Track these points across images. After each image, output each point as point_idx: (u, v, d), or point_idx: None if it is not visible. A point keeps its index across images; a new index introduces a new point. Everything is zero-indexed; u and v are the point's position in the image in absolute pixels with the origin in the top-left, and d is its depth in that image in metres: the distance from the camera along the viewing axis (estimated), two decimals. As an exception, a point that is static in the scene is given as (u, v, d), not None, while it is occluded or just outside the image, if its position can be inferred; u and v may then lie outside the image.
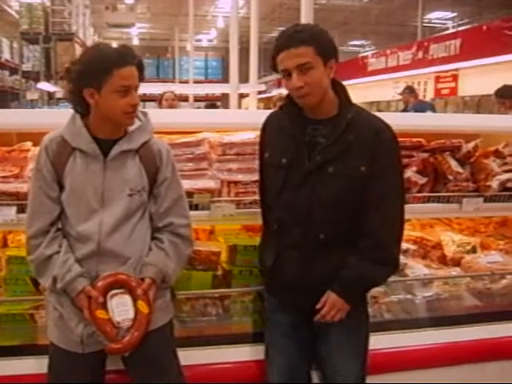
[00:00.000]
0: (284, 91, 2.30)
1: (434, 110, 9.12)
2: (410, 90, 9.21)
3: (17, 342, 2.54)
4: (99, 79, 1.92)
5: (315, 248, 2.13)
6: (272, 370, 2.29)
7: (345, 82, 2.19)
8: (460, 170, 2.86)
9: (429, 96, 13.17)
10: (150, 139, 2.12)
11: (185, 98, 15.16)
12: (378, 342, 2.48)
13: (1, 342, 2.51)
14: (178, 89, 13.73)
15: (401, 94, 9.36)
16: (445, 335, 2.71)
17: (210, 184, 2.55)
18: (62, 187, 2.05)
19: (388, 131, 2.12)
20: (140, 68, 1.99)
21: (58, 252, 2.02)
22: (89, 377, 2.12)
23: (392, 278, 2.75)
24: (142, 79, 2.00)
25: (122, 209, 2.04)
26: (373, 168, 2.06)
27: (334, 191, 2.08)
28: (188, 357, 2.33)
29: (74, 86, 1.98)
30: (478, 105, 11.35)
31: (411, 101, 8.99)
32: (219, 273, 2.70)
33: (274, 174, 2.19)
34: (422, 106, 8.74)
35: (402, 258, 2.83)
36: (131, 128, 2.06)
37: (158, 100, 6.78)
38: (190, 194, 2.45)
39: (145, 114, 2.14)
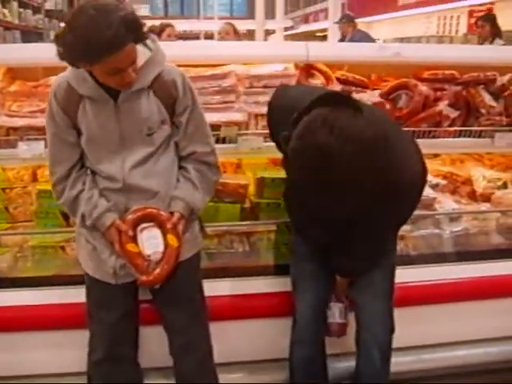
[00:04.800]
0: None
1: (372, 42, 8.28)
2: (348, 19, 8.41)
3: (51, 272, 2.60)
4: (87, 62, 1.77)
5: None
6: (300, 302, 2.31)
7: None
8: (493, 103, 2.81)
9: (461, 31, 12.70)
10: (163, 70, 1.97)
11: (210, 36, 14.97)
12: (405, 275, 2.47)
13: (36, 272, 2.58)
14: (203, 26, 13.44)
15: (338, 22, 8.64)
16: (472, 270, 2.69)
17: (238, 116, 2.53)
18: (79, 132, 2.00)
19: None
20: (139, 39, 1.79)
21: (82, 190, 2.03)
22: (123, 307, 2.17)
23: (420, 212, 2.74)
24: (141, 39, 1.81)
25: (142, 149, 2.00)
26: None
27: None
28: (213, 288, 2.36)
29: (67, 55, 1.76)
30: (514, 39, 10.89)
31: (349, 31, 8.25)
32: (247, 205, 2.71)
33: None
34: (361, 37, 7.95)
35: (431, 193, 2.81)
36: (140, 62, 1.88)
37: (155, 32, 5.23)
38: (217, 127, 2.43)
39: (154, 40, 1.96)
